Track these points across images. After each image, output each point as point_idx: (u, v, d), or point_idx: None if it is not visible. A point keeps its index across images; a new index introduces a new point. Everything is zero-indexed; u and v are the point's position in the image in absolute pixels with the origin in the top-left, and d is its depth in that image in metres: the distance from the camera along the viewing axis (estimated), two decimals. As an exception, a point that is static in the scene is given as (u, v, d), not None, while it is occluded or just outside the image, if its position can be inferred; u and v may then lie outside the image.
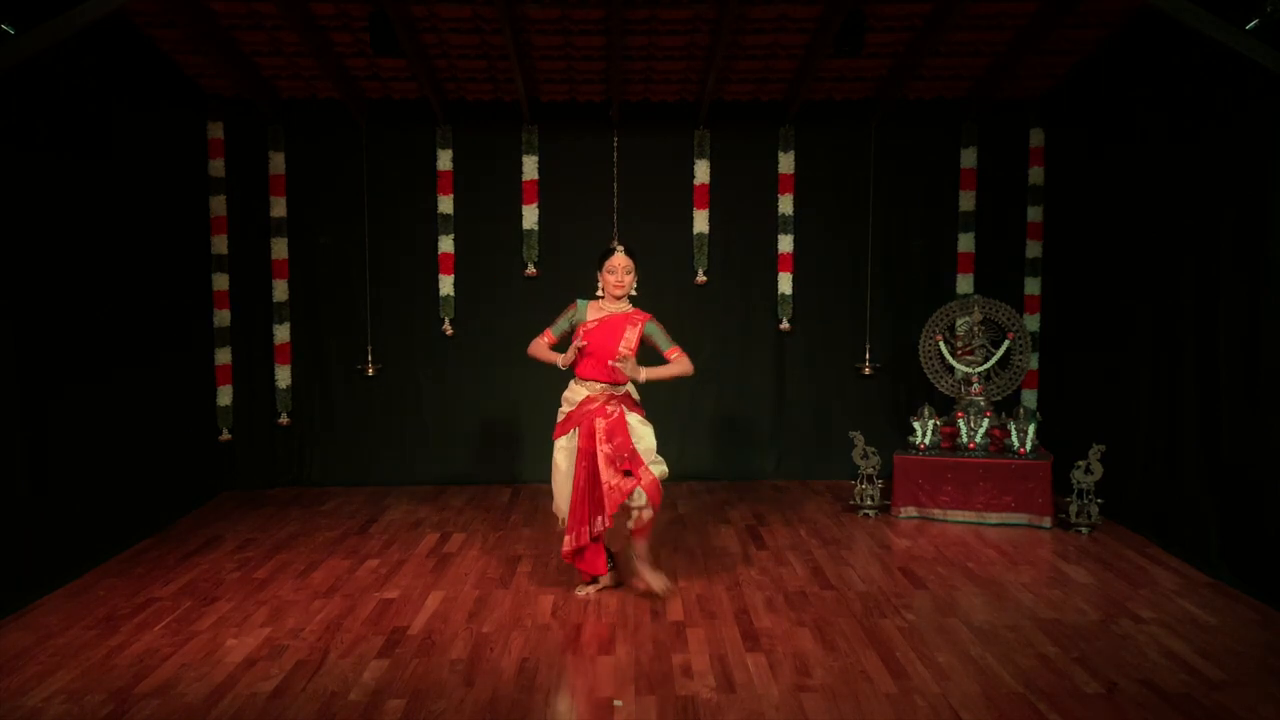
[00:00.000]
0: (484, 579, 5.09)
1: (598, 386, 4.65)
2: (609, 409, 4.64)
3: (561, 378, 4.79)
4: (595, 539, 4.63)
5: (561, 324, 4.77)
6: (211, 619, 4.48)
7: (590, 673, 3.89)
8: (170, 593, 4.86)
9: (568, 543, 4.65)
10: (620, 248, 4.69)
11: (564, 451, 4.72)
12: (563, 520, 4.75)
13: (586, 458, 4.61)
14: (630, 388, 4.77)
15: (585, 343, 4.62)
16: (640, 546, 4.73)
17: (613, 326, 4.65)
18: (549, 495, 6.87)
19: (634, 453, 4.61)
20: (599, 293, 4.73)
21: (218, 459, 7.15)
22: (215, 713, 3.51)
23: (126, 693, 3.67)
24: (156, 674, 3.85)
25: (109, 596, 4.80)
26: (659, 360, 4.71)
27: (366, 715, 3.50)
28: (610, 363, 4.57)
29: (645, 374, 4.60)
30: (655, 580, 4.72)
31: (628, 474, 4.57)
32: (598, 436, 4.59)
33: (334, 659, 4.01)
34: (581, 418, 4.64)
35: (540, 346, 4.79)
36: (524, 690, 3.71)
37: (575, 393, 4.71)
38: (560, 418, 4.76)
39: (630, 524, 4.65)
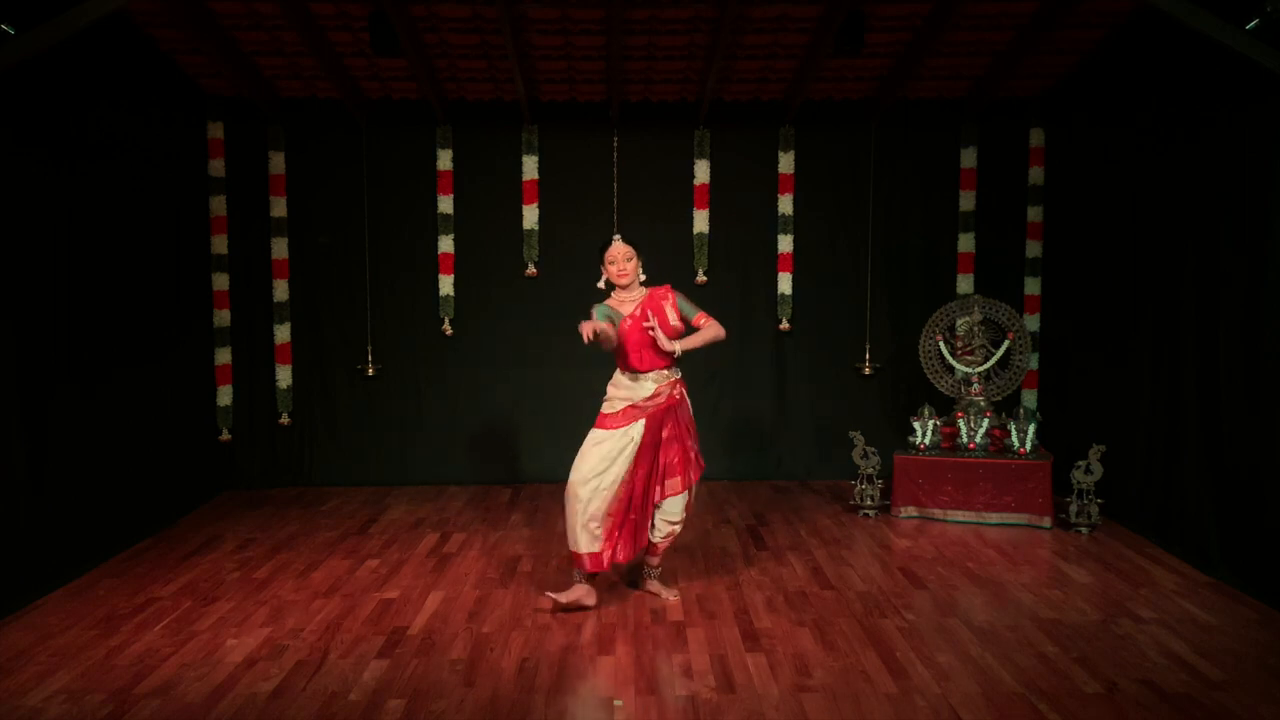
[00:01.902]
0: (484, 579, 5.09)
1: (664, 374, 4.56)
2: (676, 394, 4.59)
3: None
4: (637, 551, 4.60)
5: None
6: (211, 619, 4.48)
7: (590, 673, 3.89)
8: (170, 593, 4.86)
9: (603, 550, 4.46)
10: (618, 237, 4.65)
11: (602, 445, 4.46)
12: (580, 500, 4.44)
13: (650, 452, 4.51)
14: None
15: (657, 330, 4.46)
16: (655, 563, 4.75)
17: (654, 308, 4.54)
18: (549, 495, 6.94)
19: (689, 449, 4.60)
20: (601, 285, 4.69)
21: (218, 459, 7.16)
22: (215, 713, 3.51)
23: (126, 693, 3.67)
24: (156, 674, 3.85)
25: (109, 596, 4.80)
26: (688, 330, 4.61)
27: (366, 715, 3.50)
28: (644, 325, 4.45)
29: (680, 346, 4.49)
30: (667, 592, 4.75)
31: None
32: (666, 425, 4.54)
33: (334, 659, 4.01)
34: (648, 411, 4.51)
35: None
36: (524, 690, 3.70)
37: (638, 389, 4.53)
38: (611, 409, 4.55)
39: (659, 537, 4.63)
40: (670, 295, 4.63)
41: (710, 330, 4.57)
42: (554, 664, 3.96)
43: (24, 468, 4.74)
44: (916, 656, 4.00)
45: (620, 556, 4.56)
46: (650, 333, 4.47)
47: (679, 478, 4.56)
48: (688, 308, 4.64)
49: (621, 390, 4.57)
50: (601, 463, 4.46)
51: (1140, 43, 5.84)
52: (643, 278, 4.68)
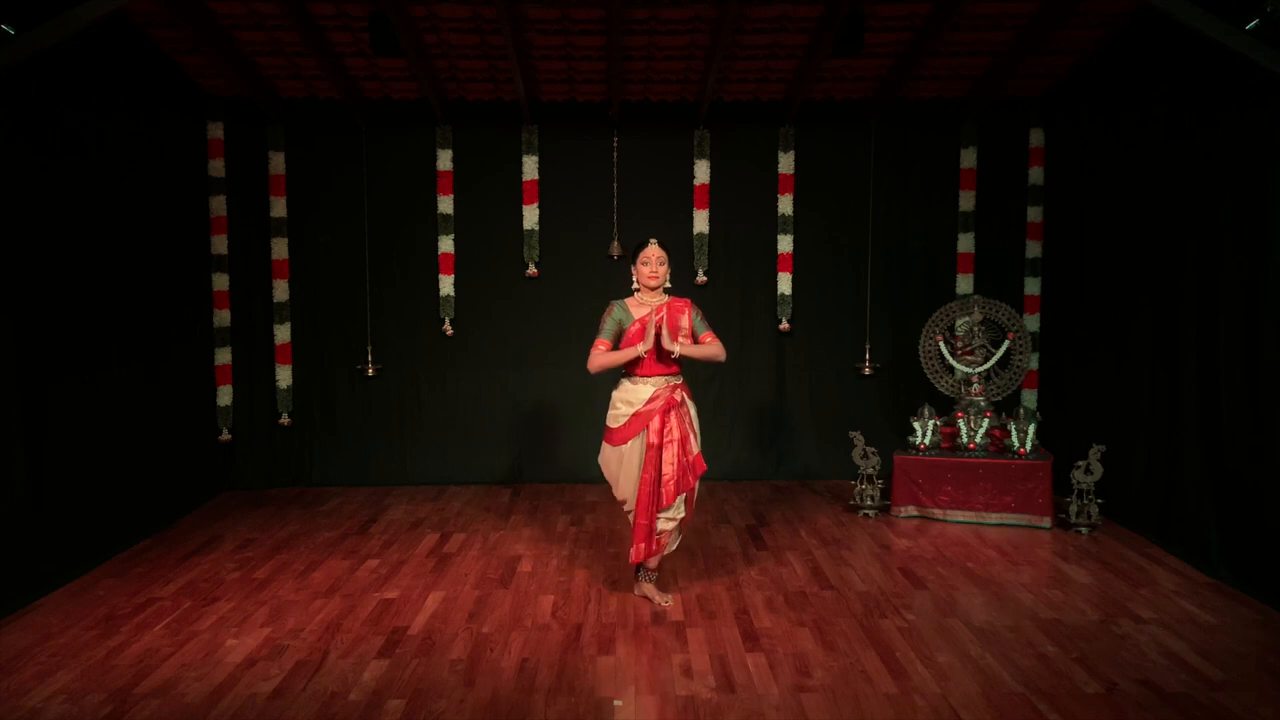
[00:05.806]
0: (484, 579, 5.09)
1: (662, 380, 4.58)
2: (676, 397, 4.59)
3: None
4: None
5: (609, 327, 4.59)
6: (211, 619, 4.48)
7: (590, 673, 3.89)
8: (170, 593, 4.87)
9: (639, 551, 4.54)
10: (654, 240, 4.63)
11: (628, 454, 4.56)
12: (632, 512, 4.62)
13: (654, 453, 4.51)
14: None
15: (661, 327, 4.50)
16: (652, 565, 4.71)
17: (672, 315, 4.60)
18: (549, 495, 6.96)
19: (683, 457, 4.59)
20: (635, 287, 4.65)
21: (218, 459, 7.16)
22: (215, 713, 3.52)
23: (126, 693, 3.68)
24: (156, 674, 3.85)
25: (109, 596, 4.80)
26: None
27: (366, 715, 3.50)
28: (651, 320, 4.48)
29: (680, 348, 4.51)
30: (661, 598, 4.69)
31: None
32: (669, 427, 4.53)
33: (334, 659, 4.01)
34: (650, 416, 4.52)
35: (603, 354, 4.54)
36: (524, 690, 3.71)
37: (637, 392, 4.57)
38: (618, 422, 4.59)
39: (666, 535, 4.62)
40: (688, 309, 4.68)
41: (711, 348, 4.65)
42: (554, 664, 3.96)
43: (24, 468, 4.74)
44: (916, 656, 4.00)
45: (654, 546, 4.60)
46: (658, 327, 4.48)
47: (673, 486, 4.54)
48: (700, 324, 4.69)
49: (626, 396, 4.59)
50: (632, 476, 4.56)
51: (1140, 43, 5.84)
52: (669, 285, 4.70)
